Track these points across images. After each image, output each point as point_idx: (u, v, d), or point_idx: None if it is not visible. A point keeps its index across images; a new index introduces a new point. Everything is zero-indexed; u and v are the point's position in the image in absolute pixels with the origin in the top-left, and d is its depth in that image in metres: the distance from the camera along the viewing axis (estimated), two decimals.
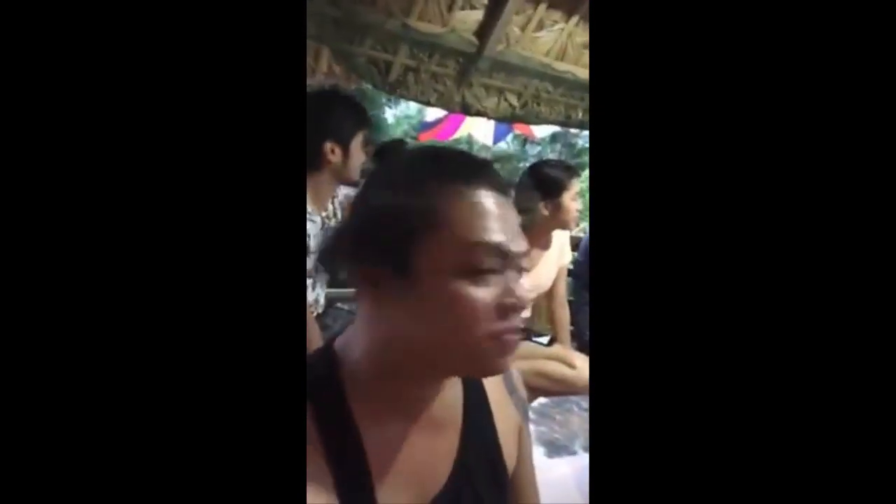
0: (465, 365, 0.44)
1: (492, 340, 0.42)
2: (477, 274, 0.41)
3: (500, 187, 0.44)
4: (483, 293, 0.41)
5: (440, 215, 0.41)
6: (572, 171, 1.48)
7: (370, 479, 0.44)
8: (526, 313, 0.42)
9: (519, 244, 0.44)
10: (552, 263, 1.49)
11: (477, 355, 0.42)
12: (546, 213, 1.41)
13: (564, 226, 1.44)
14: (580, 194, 1.44)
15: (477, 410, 0.51)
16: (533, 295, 1.49)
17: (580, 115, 2.02)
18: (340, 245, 0.47)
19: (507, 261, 0.43)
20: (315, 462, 0.42)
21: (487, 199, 0.43)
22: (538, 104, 1.96)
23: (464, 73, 1.73)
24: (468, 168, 0.44)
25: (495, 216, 0.42)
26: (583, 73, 1.89)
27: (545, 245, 1.50)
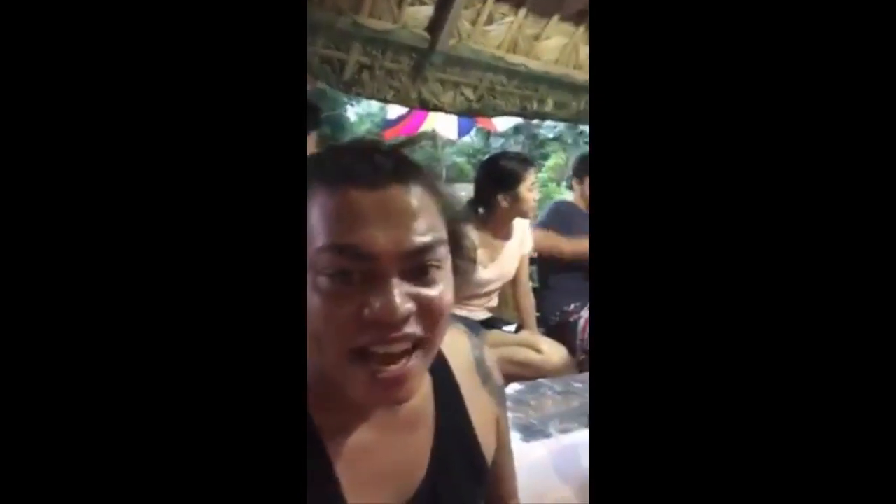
0: (345, 389, 0.39)
1: (357, 361, 0.38)
2: (329, 281, 0.37)
3: (377, 183, 0.38)
4: (330, 304, 0.37)
5: (308, 221, 0.38)
6: (527, 163, 1.52)
7: (339, 487, 0.42)
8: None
9: (400, 243, 0.37)
10: (514, 252, 1.53)
11: (344, 377, 0.38)
12: (505, 204, 1.44)
13: (523, 215, 1.48)
14: (537, 184, 1.48)
15: (449, 405, 0.49)
16: (497, 285, 1.52)
17: (535, 106, 2.06)
18: None
19: (371, 264, 0.37)
20: None
21: (347, 196, 0.38)
22: (494, 97, 1.99)
23: (418, 68, 1.75)
24: (329, 165, 0.40)
25: (352, 216, 0.37)
26: (535, 65, 1.93)
27: (506, 235, 1.54)
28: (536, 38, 1.87)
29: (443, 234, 0.41)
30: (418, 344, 0.39)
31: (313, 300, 0.37)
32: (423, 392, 0.48)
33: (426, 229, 0.39)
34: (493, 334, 1.48)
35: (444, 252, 0.40)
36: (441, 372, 0.50)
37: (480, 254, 1.50)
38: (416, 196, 0.39)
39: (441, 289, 0.39)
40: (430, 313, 0.39)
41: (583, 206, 1.85)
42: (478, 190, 1.55)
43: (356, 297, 0.37)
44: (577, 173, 1.98)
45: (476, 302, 1.51)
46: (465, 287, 0.46)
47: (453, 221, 0.43)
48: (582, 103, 2.13)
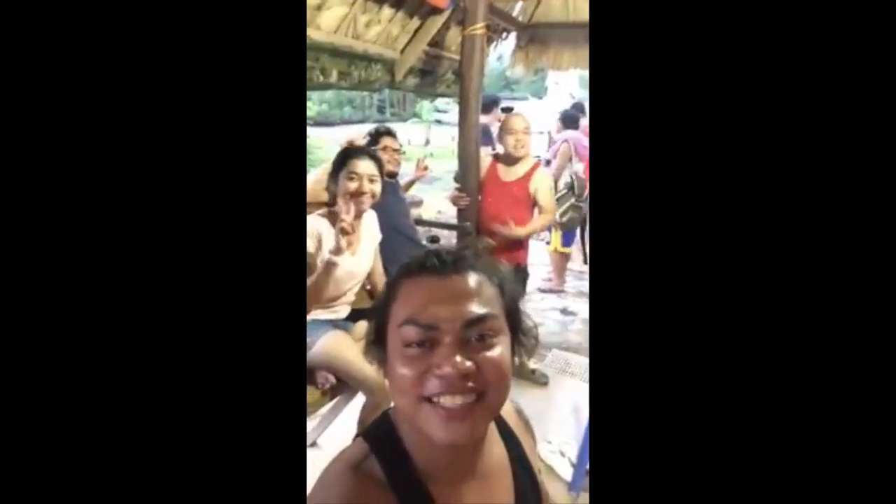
0: (420, 427, 0.49)
1: (424, 404, 0.47)
2: (407, 349, 0.48)
3: (440, 272, 0.51)
4: (408, 364, 0.48)
5: (392, 305, 0.52)
6: (345, 152, 1.49)
7: None
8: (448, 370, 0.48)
9: (459, 316, 0.48)
10: (367, 245, 1.53)
11: (419, 419, 0.48)
12: (339, 195, 1.42)
13: (358, 204, 1.45)
14: (354, 171, 1.44)
15: (518, 457, 0.61)
16: (359, 279, 1.52)
17: (321, 77, 1.96)
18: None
19: (437, 334, 0.48)
20: None
21: (420, 285, 0.51)
22: None
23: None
24: (410, 265, 0.54)
25: (423, 299, 0.49)
26: (317, 35, 1.82)
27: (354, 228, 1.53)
28: (318, 7, 1.75)
29: (496, 310, 0.51)
30: (480, 398, 0.48)
31: (397, 364, 0.49)
32: (497, 449, 0.59)
33: (482, 305, 0.50)
34: (360, 325, 1.51)
35: (499, 325, 0.51)
36: (502, 425, 0.61)
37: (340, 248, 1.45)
38: (473, 281, 0.51)
39: (499, 353, 0.49)
40: (488, 373, 0.48)
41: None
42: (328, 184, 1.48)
43: (428, 359, 0.48)
44: (370, 146, 2.00)
45: (341, 301, 1.49)
46: (526, 355, 0.56)
47: (511, 302, 0.54)
48: (362, 72, 2.13)
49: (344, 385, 1.45)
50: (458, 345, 0.47)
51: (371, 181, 1.44)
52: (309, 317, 1.42)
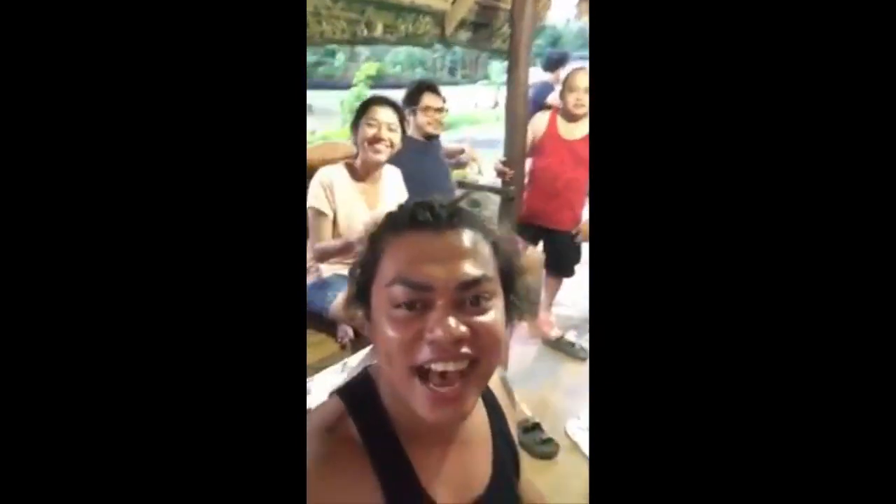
0: (408, 404, 0.45)
1: (418, 378, 0.43)
2: (396, 310, 0.44)
3: (434, 227, 0.46)
4: (398, 328, 0.44)
5: (378, 263, 0.47)
6: (367, 101, 1.50)
7: (418, 482, 0.49)
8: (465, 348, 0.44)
9: (454, 276, 0.44)
10: (389, 201, 1.52)
11: (408, 392, 0.44)
12: (358, 142, 1.46)
13: (374, 153, 1.46)
14: (373, 118, 1.45)
15: (499, 425, 0.58)
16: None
17: (365, 31, 1.92)
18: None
19: (429, 295, 0.43)
20: (365, 476, 0.46)
21: (411, 240, 0.46)
22: (319, 22, 1.78)
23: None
24: (397, 218, 0.49)
25: (414, 256, 0.45)
26: None
27: (375, 179, 1.53)
28: None
29: (491, 271, 0.47)
30: (473, 365, 0.45)
31: (384, 327, 0.45)
32: (479, 417, 0.56)
33: (477, 265, 0.45)
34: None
35: (494, 287, 0.47)
36: (488, 396, 0.58)
37: (359, 200, 1.45)
38: (468, 238, 0.47)
39: (493, 317, 0.45)
40: (482, 338, 0.44)
41: (418, 136, 1.85)
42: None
43: (418, 322, 0.44)
44: (409, 104, 1.90)
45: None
46: (521, 319, 0.53)
47: (505, 262, 0.49)
48: (409, 25, 2.05)
49: (363, 339, 1.46)
50: (451, 307, 0.43)
51: (390, 129, 1.44)
52: (329, 271, 1.44)
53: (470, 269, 0.45)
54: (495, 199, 2.04)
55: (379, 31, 1.96)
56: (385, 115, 1.44)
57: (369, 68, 10.41)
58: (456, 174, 2.25)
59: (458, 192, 1.81)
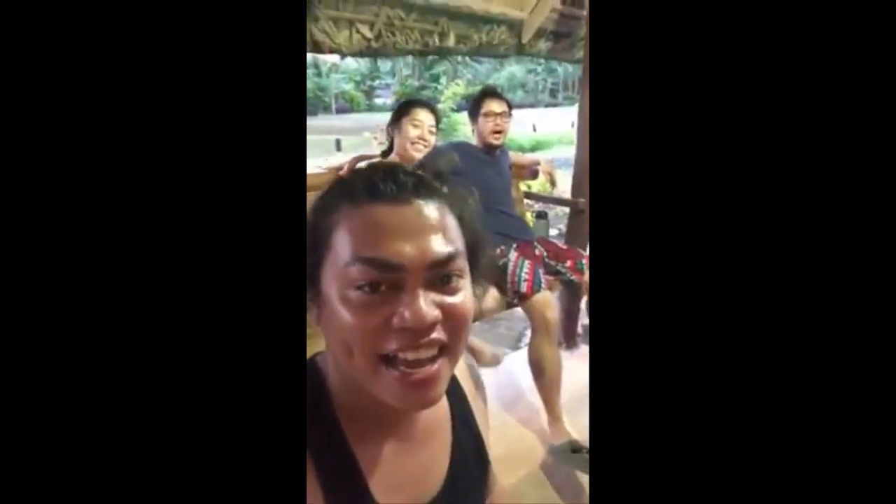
0: (374, 393, 0.41)
1: (386, 367, 0.39)
2: (356, 293, 0.39)
3: (398, 198, 0.41)
4: (360, 314, 0.39)
5: (330, 238, 0.41)
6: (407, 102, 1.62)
7: (367, 487, 0.45)
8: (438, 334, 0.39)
9: (425, 254, 0.39)
10: None
11: (375, 382, 0.40)
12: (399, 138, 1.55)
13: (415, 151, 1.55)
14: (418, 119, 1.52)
15: (462, 417, 0.53)
16: None
17: (437, 41, 1.94)
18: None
19: (398, 275, 0.39)
20: (309, 480, 0.42)
21: (371, 213, 0.40)
22: (393, 33, 1.83)
23: (306, 7, 1.53)
24: (353, 186, 0.42)
25: (377, 231, 0.39)
26: None
27: None
28: None
29: (461, 246, 0.43)
30: (444, 349, 0.41)
31: (342, 312, 0.39)
32: (439, 406, 0.51)
33: (447, 241, 0.41)
34: None
35: (463, 263, 0.42)
36: (452, 384, 0.52)
37: None
38: (436, 211, 0.41)
39: (463, 296, 0.42)
40: (454, 320, 0.41)
41: (480, 143, 1.81)
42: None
43: (385, 306, 0.39)
44: (473, 112, 1.86)
45: None
46: (483, 293, 0.48)
47: (471, 235, 0.45)
48: (483, 35, 2.04)
49: None
50: (422, 289, 0.39)
51: (431, 132, 1.55)
52: None
53: (441, 245, 0.40)
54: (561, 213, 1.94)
55: (451, 41, 1.97)
56: (427, 117, 1.53)
57: (459, 87, 10.61)
58: (524, 185, 2.17)
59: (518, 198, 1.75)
